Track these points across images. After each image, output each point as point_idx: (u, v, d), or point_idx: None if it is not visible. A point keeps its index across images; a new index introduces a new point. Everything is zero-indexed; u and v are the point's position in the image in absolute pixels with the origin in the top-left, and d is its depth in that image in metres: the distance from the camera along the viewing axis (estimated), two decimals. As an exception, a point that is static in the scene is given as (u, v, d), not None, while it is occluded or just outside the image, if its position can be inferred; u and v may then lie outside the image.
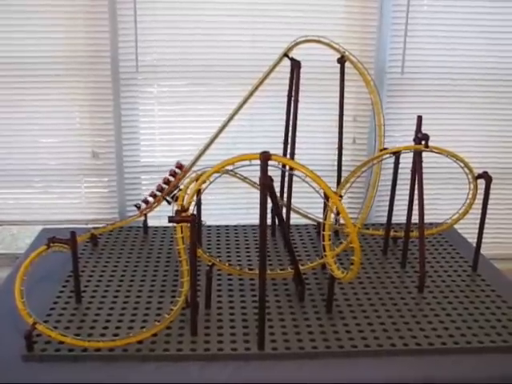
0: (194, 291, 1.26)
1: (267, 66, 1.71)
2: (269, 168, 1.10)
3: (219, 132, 1.76)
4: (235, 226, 1.93)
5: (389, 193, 1.66)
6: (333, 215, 1.41)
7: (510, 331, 1.31)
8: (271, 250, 1.74)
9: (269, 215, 1.41)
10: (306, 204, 1.89)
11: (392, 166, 1.63)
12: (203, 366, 1.20)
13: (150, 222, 1.85)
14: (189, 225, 1.20)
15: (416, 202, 1.50)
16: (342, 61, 1.72)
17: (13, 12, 1.90)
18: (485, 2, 2.06)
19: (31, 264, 1.35)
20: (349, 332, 1.30)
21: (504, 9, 2.07)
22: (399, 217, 1.79)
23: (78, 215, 2.11)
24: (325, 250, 1.27)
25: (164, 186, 1.68)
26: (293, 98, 1.70)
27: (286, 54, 1.70)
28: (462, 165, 1.53)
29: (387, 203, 1.69)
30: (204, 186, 1.23)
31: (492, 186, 1.55)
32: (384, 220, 1.75)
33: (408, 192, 1.57)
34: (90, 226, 2.02)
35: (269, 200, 1.14)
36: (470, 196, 1.62)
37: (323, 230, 1.24)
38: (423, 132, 1.47)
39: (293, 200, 1.73)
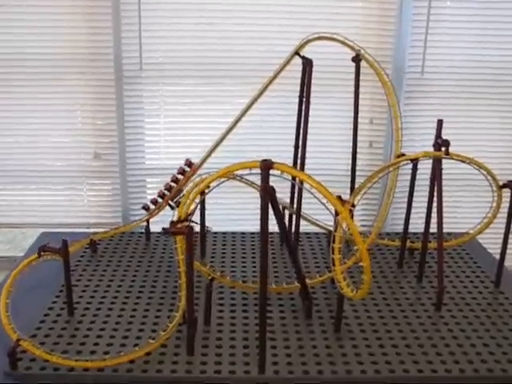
0: (191, 308, 1.17)
1: (278, 64, 1.62)
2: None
3: (227, 133, 1.67)
4: (242, 233, 1.83)
5: (405, 200, 1.55)
6: (344, 225, 1.32)
7: (537, 358, 1.20)
8: (278, 260, 1.64)
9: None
10: (318, 210, 1.79)
11: (409, 172, 1.51)
12: (198, 390, 1.11)
13: (153, 228, 1.76)
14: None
15: (434, 210, 1.39)
16: (357, 59, 1.61)
17: (13, 6, 1.83)
18: (513, -2, 1.93)
19: (21, 273, 1.28)
20: (358, 355, 1.20)
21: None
22: (416, 225, 1.68)
23: (79, 219, 2.04)
24: (334, 265, 1.17)
25: (173, 184, 1.60)
26: (304, 99, 1.60)
27: (297, 52, 1.60)
28: (485, 173, 1.41)
29: (404, 210, 1.57)
30: (199, 196, 1.13)
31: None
32: (400, 229, 1.63)
33: (425, 200, 1.46)
34: (91, 230, 1.95)
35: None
36: (493, 206, 1.50)
37: (333, 242, 1.14)
38: (443, 137, 1.36)
39: (303, 206, 1.63)
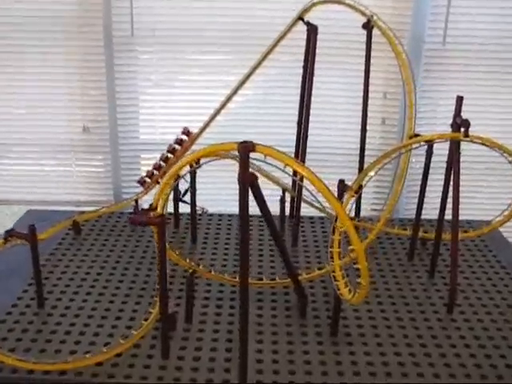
0: (165, 306, 1.03)
1: (279, 31, 1.44)
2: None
3: (226, 103, 1.51)
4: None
5: (418, 182, 1.38)
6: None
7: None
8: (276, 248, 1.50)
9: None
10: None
11: (424, 153, 1.34)
12: (169, 401, 0.98)
13: (146, 206, 1.62)
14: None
15: (450, 195, 1.23)
16: (368, 26, 1.44)
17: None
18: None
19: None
20: (354, 364, 1.06)
21: None
22: (431, 211, 1.51)
23: (68, 196, 1.90)
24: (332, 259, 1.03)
25: (169, 155, 1.45)
26: (308, 70, 1.43)
27: (300, 18, 1.43)
28: (511, 159, 1.24)
29: (417, 194, 1.41)
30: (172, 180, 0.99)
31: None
32: (413, 214, 1.46)
33: (441, 184, 1.30)
34: (81, 208, 1.82)
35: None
36: (518, 195, 1.33)
37: (332, 234, 1.00)
38: (463, 117, 1.18)
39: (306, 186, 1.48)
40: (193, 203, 1.49)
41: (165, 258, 0.98)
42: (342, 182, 1.25)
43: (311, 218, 1.68)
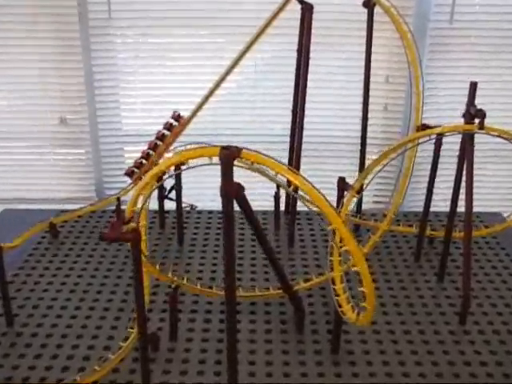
0: (143, 331, 0.90)
1: (271, 10, 1.30)
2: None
3: (213, 91, 1.37)
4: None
5: (422, 172, 1.26)
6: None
7: None
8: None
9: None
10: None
11: (431, 144, 1.21)
12: None
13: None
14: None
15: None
16: (369, 4, 1.30)
17: None
18: None
19: None
20: (359, 388, 0.94)
21: None
22: (437, 203, 1.38)
23: (47, 193, 1.77)
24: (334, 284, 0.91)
25: (159, 142, 1.32)
26: (303, 53, 1.29)
27: (294, -5, 1.28)
28: (530, 151, 1.11)
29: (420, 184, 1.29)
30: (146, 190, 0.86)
31: None
32: (420, 206, 1.33)
33: (448, 176, 1.18)
34: (60, 206, 1.70)
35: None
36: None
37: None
38: (477, 106, 1.05)
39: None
40: (179, 202, 1.37)
41: (141, 279, 0.85)
42: (342, 179, 1.13)
43: (308, 213, 1.55)
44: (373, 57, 1.38)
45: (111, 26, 1.59)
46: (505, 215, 1.47)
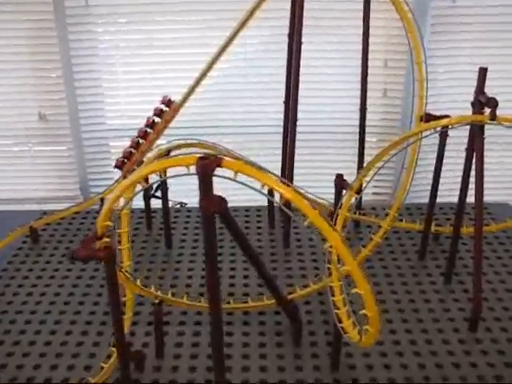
0: (122, 350, 0.82)
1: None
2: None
3: (206, 72, 1.27)
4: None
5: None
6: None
7: None
8: (266, 250, 1.29)
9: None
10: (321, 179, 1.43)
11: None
12: None
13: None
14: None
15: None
16: (366, -18, 1.19)
17: None
18: None
19: None
20: (361, 409, 0.86)
21: None
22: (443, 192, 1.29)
23: (29, 193, 1.67)
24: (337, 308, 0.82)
25: (149, 130, 1.22)
26: (295, 38, 1.19)
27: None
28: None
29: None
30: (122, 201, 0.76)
31: None
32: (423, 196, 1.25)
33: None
34: (46, 206, 1.61)
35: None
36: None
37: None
38: (487, 95, 0.95)
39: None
40: (165, 201, 1.28)
41: (117, 300, 0.76)
42: (340, 176, 1.04)
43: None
44: (370, 39, 1.27)
45: (90, 13, 1.48)
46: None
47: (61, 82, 1.53)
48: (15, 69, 1.53)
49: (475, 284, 1.01)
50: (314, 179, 1.60)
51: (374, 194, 1.72)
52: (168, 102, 1.25)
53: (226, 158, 0.61)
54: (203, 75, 1.27)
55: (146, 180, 1.04)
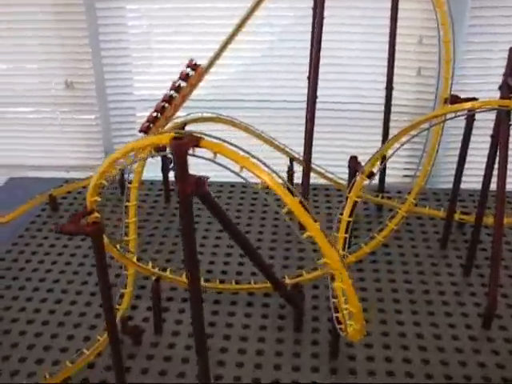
0: (113, 333, 0.81)
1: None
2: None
3: (225, 45, 1.23)
4: (232, 183, 1.43)
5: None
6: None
7: None
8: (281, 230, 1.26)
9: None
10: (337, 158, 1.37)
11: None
12: None
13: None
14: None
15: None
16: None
17: None
18: None
19: None
20: (356, 403, 0.83)
21: None
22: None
23: (56, 160, 1.69)
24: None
25: (174, 94, 1.20)
26: (318, 10, 1.13)
27: None
28: None
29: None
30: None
31: None
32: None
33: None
34: (71, 174, 1.63)
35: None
36: None
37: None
38: None
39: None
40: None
41: (105, 276, 0.75)
42: (354, 158, 1.00)
43: (327, 188, 1.42)
44: (404, 14, 1.20)
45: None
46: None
47: (88, 51, 1.52)
48: (43, 36, 1.53)
49: (492, 278, 0.95)
50: (339, 158, 1.55)
51: (404, 176, 1.65)
52: (194, 66, 1.22)
53: (207, 138, 0.58)
54: (230, 39, 1.23)
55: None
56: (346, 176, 1.16)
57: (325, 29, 1.14)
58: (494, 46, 1.46)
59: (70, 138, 1.67)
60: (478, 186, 1.03)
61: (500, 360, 0.90)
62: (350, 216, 0.87)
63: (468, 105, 0.91)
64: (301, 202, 0.58)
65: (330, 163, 1.36)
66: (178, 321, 0.99)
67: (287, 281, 1.02)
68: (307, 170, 1.24)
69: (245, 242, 0.80)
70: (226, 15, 1.48)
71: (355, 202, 0.91)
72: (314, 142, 1.20)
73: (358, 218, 1.29)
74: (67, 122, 1.65)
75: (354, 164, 1.00)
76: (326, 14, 1.12)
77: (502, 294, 1.03)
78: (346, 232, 1.07)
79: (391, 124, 1.26)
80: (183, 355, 0.92)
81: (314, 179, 1.36)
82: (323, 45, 1.10)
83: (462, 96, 0.97)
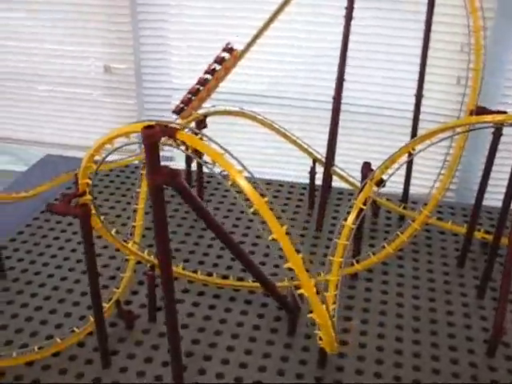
0: (99, 318, 0.82)
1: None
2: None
3: (261, 31, 1.21)
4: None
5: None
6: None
7: None
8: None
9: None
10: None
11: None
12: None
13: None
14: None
15: None
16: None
17: None
18: None
19: None
20: (335, 416, 0.80)
21: None
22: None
23: (91, 141, 1.72)
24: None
25: (208, 77, 1.20)
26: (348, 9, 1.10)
27: None
28: None
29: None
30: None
31: None
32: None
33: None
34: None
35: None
36: None
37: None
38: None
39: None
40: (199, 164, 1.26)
41: (93, 258, 0.76)
42: (367, 164, 0.98)
43: (351, 193, 1.38)
44: (445, 19, 1.15)
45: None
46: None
47: (129, 37, 1.55)
48: (85, 20, 1.57)
49: (500, 302, 0.90)
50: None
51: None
52: (230, 50, 1.21)
53: (184, 131, 0.57)
54: (267, 25, 1.21)
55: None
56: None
57: (362, 30, 1.11)
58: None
59: (104, 120, 1.70)
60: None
61: (500, 391, 0.85)
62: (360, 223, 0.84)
63: (500, 116, 0.86)
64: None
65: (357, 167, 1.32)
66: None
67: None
68: (328, 171, 1.22)
69: (224, 234, 0.79)
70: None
71: (361, 210, 0.88)
72: (342, 145, 1.17)
73: (378, 227, 1.26)
74: (103, 104, 1.68)
75: (366, 170, 0.97)
76: (363, 15, 1.09)
77: (513, 321, 0.97)
78: (356, 238, 1.05)
79: (423, 132, 1.21)
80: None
81: (338, 183, 1.33)
82: (363, 47, 1.07)
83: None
